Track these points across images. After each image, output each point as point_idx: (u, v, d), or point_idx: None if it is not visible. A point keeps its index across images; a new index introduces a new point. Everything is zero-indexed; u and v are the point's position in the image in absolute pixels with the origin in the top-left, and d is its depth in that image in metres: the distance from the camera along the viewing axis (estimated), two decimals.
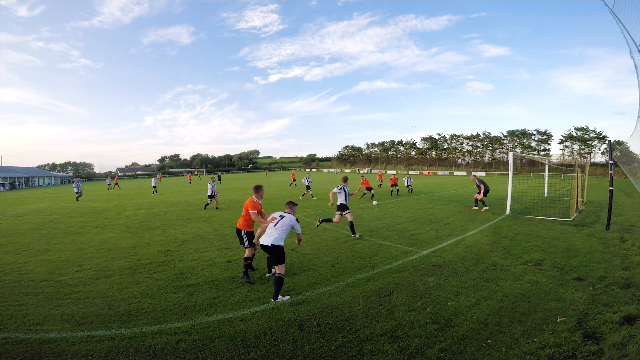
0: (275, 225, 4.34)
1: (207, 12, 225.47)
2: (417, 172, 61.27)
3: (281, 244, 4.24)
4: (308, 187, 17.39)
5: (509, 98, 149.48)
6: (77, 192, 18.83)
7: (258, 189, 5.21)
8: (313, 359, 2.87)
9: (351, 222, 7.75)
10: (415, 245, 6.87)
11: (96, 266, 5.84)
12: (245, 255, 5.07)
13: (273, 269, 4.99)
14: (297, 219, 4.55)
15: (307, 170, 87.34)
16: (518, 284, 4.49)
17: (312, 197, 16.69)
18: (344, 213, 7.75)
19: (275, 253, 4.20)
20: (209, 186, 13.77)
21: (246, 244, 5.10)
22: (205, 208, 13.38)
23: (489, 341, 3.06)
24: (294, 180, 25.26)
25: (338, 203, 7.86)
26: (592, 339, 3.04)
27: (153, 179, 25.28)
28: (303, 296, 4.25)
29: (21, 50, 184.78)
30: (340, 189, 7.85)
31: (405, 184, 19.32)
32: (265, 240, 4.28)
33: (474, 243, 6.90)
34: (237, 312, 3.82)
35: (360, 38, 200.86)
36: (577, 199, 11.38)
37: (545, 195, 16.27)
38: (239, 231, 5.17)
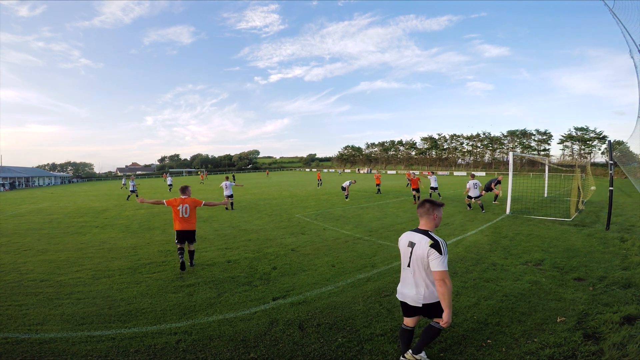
0: (409, 265, 2.49)
1: (208, 12, 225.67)
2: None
3: (437, 298, 2.40)
4: (344, 189, 16.03)
5: (509, 98, 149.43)
6: (132, 191, 19.29)
7: (185, 189, 5.66)
8: (313, 359, 2.88)
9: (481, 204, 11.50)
10: None
11: (96, 266, 5.84)
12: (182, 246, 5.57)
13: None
14: (439, 243, 2.32)
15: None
16: (518, 284, 4.49)
17: (346, 198, 15.82)
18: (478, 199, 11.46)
19: (433, 310, 2.47)
20: (228, 184, 13.49)
21: (195, 240, 5.74)
22: (232, 208, 13.30)
23: (489, 341, 3.06)
24: (320, 179, 26.45)
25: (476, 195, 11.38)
26: (592, 339, 3.04)
27: (169, 178, 26.83)
28: (303, 296, 4.25)
29: (22, 50, 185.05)
30: (475, 184, 11.37)
31: (432, 185, 14.67)
32: (406, 295, 2.52)
33: (474, 243, 6.90)
34: (237, 312, 3.82)
35: (361, 38, 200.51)
36: (577, 199, 11.39)
37: (545, 195, 16.27)
38: (192, 232, 5.60)
